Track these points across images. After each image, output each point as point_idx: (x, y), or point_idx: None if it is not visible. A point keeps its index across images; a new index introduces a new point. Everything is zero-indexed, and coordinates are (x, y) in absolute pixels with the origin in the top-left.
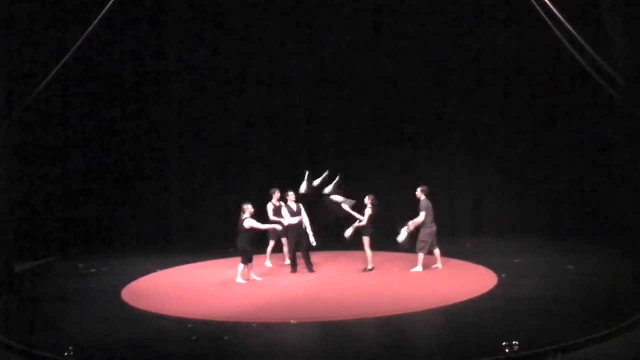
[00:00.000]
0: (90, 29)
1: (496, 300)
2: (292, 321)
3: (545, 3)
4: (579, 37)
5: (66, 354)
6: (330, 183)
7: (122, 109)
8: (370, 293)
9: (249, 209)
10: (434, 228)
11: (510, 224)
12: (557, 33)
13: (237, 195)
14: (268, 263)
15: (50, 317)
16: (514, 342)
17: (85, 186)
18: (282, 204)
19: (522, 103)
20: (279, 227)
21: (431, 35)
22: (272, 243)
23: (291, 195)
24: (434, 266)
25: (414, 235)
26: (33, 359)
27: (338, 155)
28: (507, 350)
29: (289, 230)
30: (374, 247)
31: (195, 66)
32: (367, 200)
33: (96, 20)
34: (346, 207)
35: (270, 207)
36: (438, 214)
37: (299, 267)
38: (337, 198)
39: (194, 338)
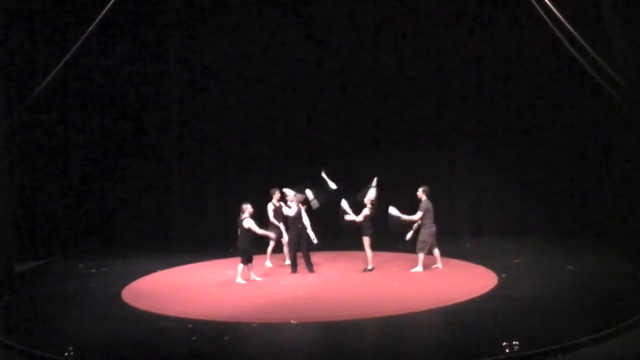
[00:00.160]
0: (90, 29)
1: (496, 300)
2: (292, 321)
3: (545, 3)
4: (579, 37)
5: (66, 354)
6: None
7: (122, 109)
8: (370, 293)
9: (248, 208)
10: (433, 228)
11: (510, 224)
12: (557, 33)
13: (237, 195)
14: (268, 263)
15: (50, 317)
16: (514, 342)
17: (85, 186)
18: (282, 204)
19: (522, 103)
20: (272, 235)
21: (431, 35)
22: (272, 243)
23: (290, 195)
24: (434, 266)
25: (414, 236)
26: (33, 359)
27: (338, 155)
28: (507, 350)
29: (290, 227)
30: (374, 247)
31: (195, 66)
32: (367, 201)
33: (96, 21)
34: (345, 205)
35: (270, 207)
36: (438, 214)
37: (299, 267)
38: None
39: (194, 338)
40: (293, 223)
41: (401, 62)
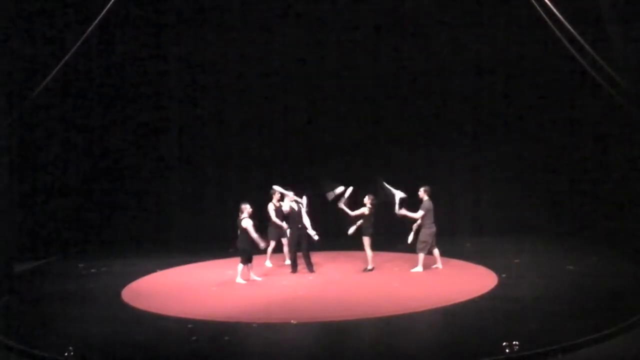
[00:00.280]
0: (90, 29)
1: (496, 300)
2: (292, 321)
3: (545, 3)
4: (579, 37)
5: (66, 354)
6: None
7: (122, 109)
8: (370, 293)
9: (247, 208)
10: (434, 228)
11: (510, 224)
12: (557, 33)
13: (237, 195)
14: (268, 263)
15: (50, 317)
16: (514, 342)
17: (85, 186)
18: (282, 204)
19: (522, 103)
20: (262, 245)
21: (431, 35)
22: (272, 243)
23: (290, 194)
24: (434, 266)
25: (414, 236)
26: (33, 359)
27: (338, 155)
28: (507, 350)
29: (290, 226)
30: (374, 247)
31: (195, 66)
32: (367, 200)
33: (96, 21)
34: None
35: (271, 207)
36: (438, 214)
37: (299, 267)
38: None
39: (194, 338)
40: (293, 223)
41: (401, 62)
